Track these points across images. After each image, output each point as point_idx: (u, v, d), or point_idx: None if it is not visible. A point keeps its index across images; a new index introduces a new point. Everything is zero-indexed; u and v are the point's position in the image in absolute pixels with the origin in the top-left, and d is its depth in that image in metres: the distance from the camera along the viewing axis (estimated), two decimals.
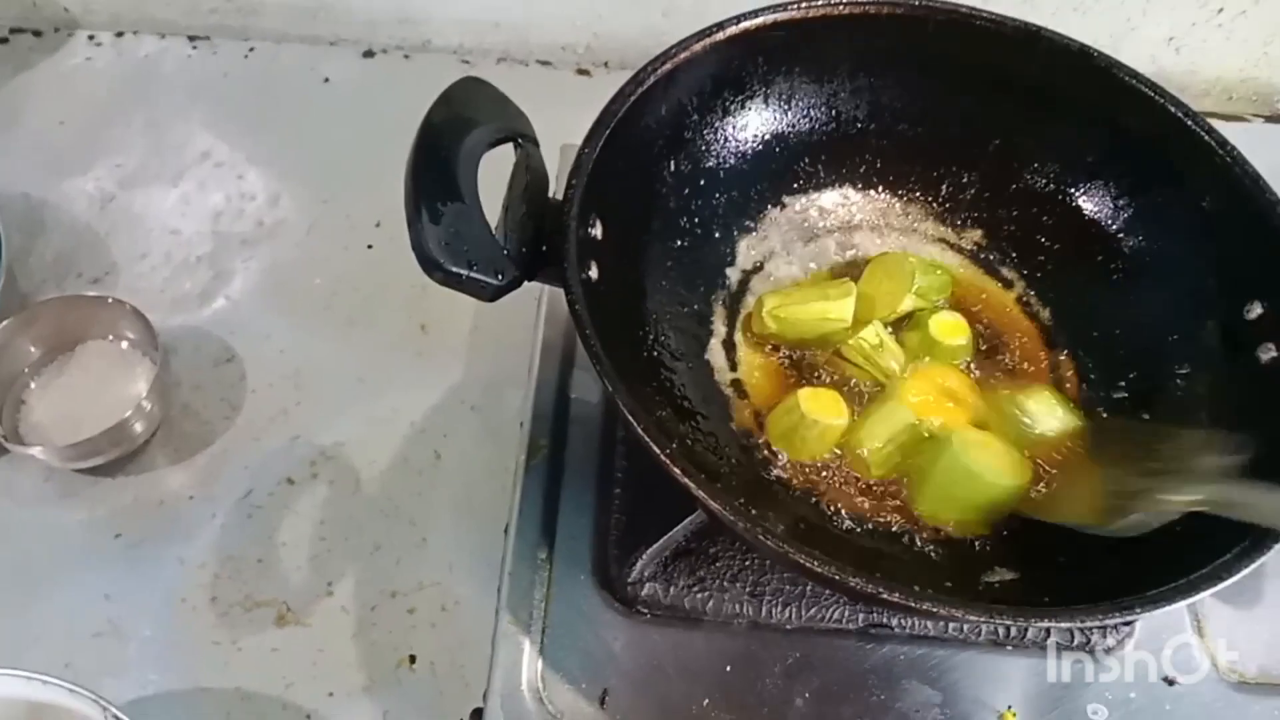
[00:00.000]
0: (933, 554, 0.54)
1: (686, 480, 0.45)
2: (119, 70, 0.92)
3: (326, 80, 0.92)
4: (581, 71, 0.96)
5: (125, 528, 0.68)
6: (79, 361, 0.72)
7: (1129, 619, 0.42)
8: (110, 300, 0.71)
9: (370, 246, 0.82)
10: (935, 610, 0.42)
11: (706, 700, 0.53)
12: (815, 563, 0.42)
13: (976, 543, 0.54)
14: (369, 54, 0.95)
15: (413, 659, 0.65)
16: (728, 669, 0.54)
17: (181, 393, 0.73)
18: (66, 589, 0.66)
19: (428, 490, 0.71)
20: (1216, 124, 0.61)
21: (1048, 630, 0.53)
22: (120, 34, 0.94)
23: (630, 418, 0.46)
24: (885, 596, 0.42)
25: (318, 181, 0.86)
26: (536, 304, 0.71)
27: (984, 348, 0.64)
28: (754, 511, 0.52)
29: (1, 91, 0.90)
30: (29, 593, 0.65)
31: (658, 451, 0.45)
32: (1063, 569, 0.51)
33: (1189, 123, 0.61)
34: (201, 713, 0.62)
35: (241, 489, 0.70)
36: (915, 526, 0.55)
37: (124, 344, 0.73)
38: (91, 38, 0.94)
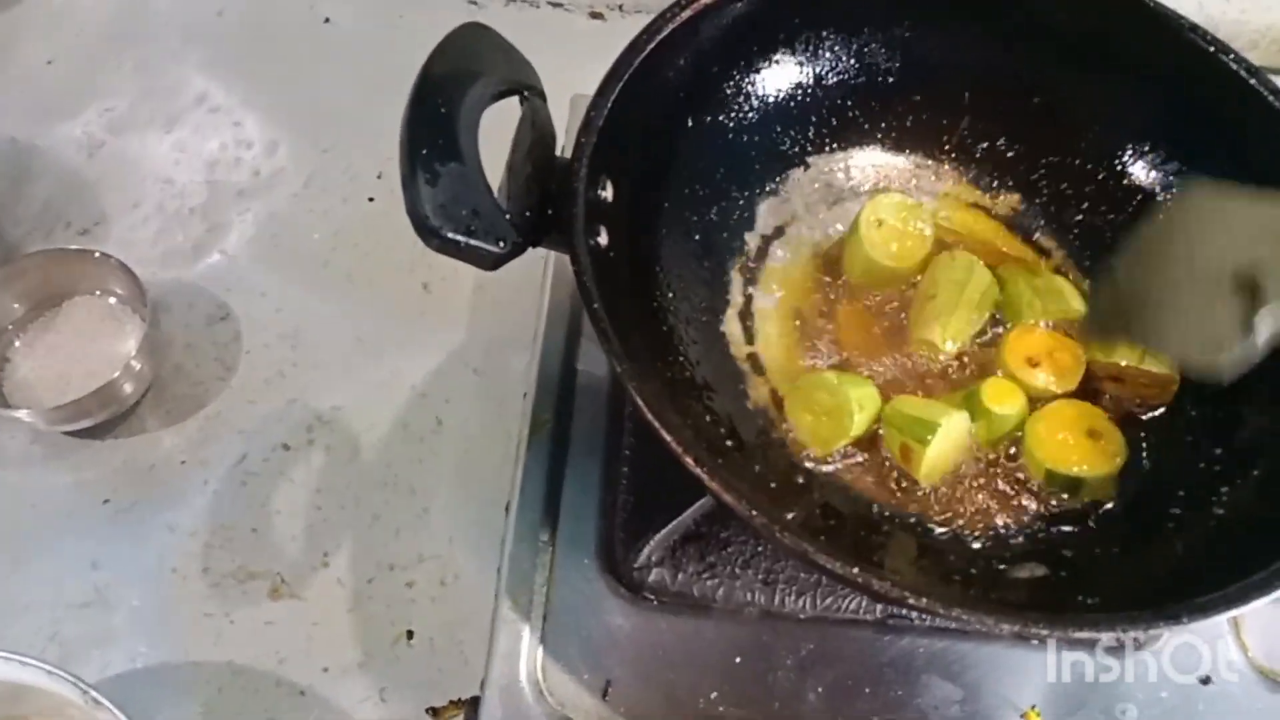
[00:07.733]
0: (971, 542, 0.50)
1: (699, 471, 0.42)
2: (110, 6, 0.88)
3: (327, 20, 0.88)
4: (595, 15, 0.91)
5: (114, 493, 0.65)
6: (66, 318, 0.69)
7: (1175, 627, 0.39)
8: (97, 254, 0.68)
9: (371, 199, 0.78)
10: (965, 617, 0.39)
11: (715, 693, 0.51)
12: (838, 564, 0.39)
13: (1010, 538, 0.51)
14: None
15: (410, 634, 0.62)
16: (738, 660, 0.52)
17: (173, 352, 0.70)
18: (53, 556, 0.63)
19: (429, 458, 0.68)
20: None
21: None
22: None
23: (641, 402, 0.43)
24: (912, 602, 0.39)
25: (317, 129, 0.81)
26: (543, 264, 0.67)
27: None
28: (769, 497, 0.49)
29: None
30: (15, 559, 0.63)
31: (670, 439, 0.42)
32: (1097, 567, 0.48)
33: (1252, 82, 0.56)
34: (192, 687, 0.60)
35: (235, 454, 0.67)
36: (939, 517, 0.52)
37: (112, 300, 0.70)
38: None
